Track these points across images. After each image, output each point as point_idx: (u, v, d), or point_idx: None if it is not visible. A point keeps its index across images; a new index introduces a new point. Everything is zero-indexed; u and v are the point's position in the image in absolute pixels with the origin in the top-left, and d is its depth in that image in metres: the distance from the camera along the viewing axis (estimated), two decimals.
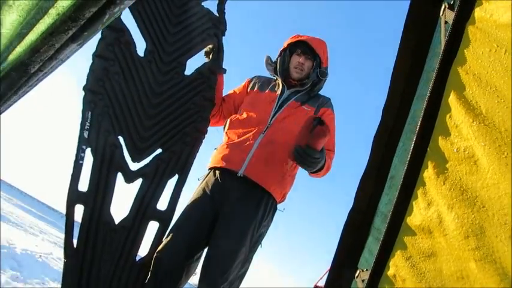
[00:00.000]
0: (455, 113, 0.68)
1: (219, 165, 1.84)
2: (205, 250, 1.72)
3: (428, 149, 0.76)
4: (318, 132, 1.56)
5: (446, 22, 0.79)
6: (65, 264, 1.63)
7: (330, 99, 2.08)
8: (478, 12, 0.68)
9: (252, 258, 1.80)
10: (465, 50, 0.68)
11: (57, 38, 0.84)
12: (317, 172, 1.81)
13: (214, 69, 1.99)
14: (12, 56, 0.88)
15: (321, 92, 2.10)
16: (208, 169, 1.91)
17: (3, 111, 0.97)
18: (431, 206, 0.72)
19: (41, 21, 0.83)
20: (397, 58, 0.88)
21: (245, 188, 1.77)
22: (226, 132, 1.97)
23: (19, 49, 0.87)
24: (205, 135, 1.94)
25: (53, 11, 0.83)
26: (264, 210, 1.78)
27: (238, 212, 1.72)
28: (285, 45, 2.08)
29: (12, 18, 0.86)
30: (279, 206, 1.92)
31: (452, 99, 0.71)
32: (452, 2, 0.79)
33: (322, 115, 1.96)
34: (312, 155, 1.60)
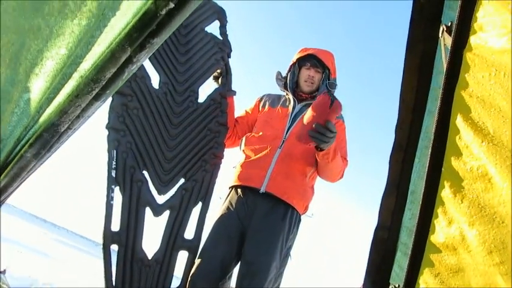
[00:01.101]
0: (464, 134, 0.72)
1: (240, 184, 1.91)
2: (237, 267, 1.78)
3: (442, 169, 0.79)
4: (337, 105, 1.61)
5: (445, 45, 0.84)
6: None
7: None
8: (473, 40, 0.73)
9: (283, 272, 1.86)
10: (466, 75, 0.72)
11: (83, 99, 0.92)
12: (329, 164, 1.83)
13: (224, 94, 2.07)
14: (42, 118, 0.97)
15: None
16: (230, 187, 1.98)
17: (38, 168, 1.06)
18: (453, 224, 0.75)
19: (66, 85, 0.92)
20: (403, 77, 0.92)
21: (269, 204, 1.83)
22: (243, 150, 2.05)
23: (48, 111, 0.95)
24: (223, 160, 2.01)
25: (76, 75, 0.92)
26: (290, 223, 1.84)
27: (265, 228, 1.79)
28: (294, 60, 2.16)
29: (39, 85, 0.95)
30: (306, 214, 2.00)
31: (459, 121, 0.75)
32: (449, 24, 0.84)
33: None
34: (332, 129, 1.63)
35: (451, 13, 0.85)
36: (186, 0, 0.87)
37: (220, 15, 2.12)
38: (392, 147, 0.97)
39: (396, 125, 0.96)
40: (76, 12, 0.87)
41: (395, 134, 0.98)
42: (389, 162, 0.98)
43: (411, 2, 0.86)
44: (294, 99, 2.10)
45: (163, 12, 0.87)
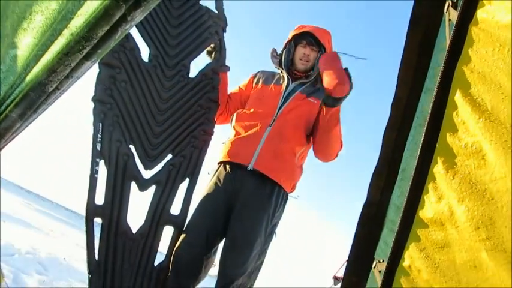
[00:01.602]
0: (462, 110, 0.73)
1: (228, 160, 1.91)
2: (222, 242, 1.80)
3: (437, 145, 0.80)
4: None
5: (450, 20, 0.83)
6: (89, 279, 1.69)
7: None
8: (480, 13, 0.72)
9: (267, 249, 1.89)
10: (469, 50, 0.72)
11: (72, 58, 0.89)
12: (332, 130, 1.84)
13: (217, 70, 2.04)
14: (29, 77, 0.93)
15: None
16: (218, 163, 1.98)
17: (23, 130, 1.03)
18: (442, 200, 0.76)
19: (55, 42, 0.89)
20: (404, 53, 0.92)
21: (256, 181, 1.84)
22: (233, 127, 2.04)
23: (36, 70, 0.92)
24: (212, 136, 2.00)
25: (66, 32, 0.88)
26: (276, 201, 1.86)
27: (251, 204, 1.80)
28: (290, 37, 2.13)
29: (27, 41, 0.91)
30: (292, 194, 2.01)
31: (458, 97, 0.75)
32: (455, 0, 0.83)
33: None
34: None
35: None
36: None
37: None
38: (387, 124, 0.97)
39: (392, 102, 0.96)
40: None
41: (391, 111, 0.98)
42: (382, 140, 0.98)
43: None
44: (287, 78, 2.09)
45: None
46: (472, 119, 0.70)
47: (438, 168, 0.79)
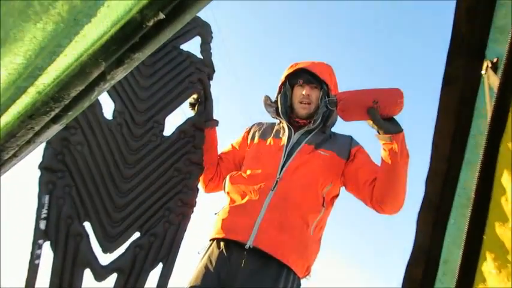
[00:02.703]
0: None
1: (222, 236, 1.90)
2: None
3: (484, 236, 0.83)
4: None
5: (489, 83, 0.92)
6: None
7: (351, 137, 2.21)
8: None
9: None
10: None
11: (37, 120, 0.93)
12: (398, 163, 1.81)
13: (200, 125, 2.10)
14: None
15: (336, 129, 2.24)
16: (210, 240, 1.98)
17: None
18: None
19: (18, 101, 0.93)
20: (437, 118, 0.99)
21: (257, 263, 1.82)
22: (227, 193, 2.07)
23: None
24: (194, 208, 1.99)
25: (32, 90, 0.93)
26: (285, 287, 1.80)
27: None
28: (283, 78, 2.23)
29: None
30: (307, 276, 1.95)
31: (505, 179, 0.79)
32: (495, 60, 0.93)
33: (355, 156, 2.08)
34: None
35: (497, 48, 0.93)
36: (179, 12, 0.93)
37: (203, 30, 2.22)
38: (421, 204, 1.01)
39: (426, 176, 1.01)
40: (41, 15, 0.89)
41: (425, 187, 1.02)
42: (417, 223, 1.01)
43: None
44: (288, 128, 2.16)
45: (151, 23, 0.92)
46: None
47: (488, 267, 0.81)
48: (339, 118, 2.16)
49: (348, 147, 2.14)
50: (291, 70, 2.22)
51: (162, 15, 0.91)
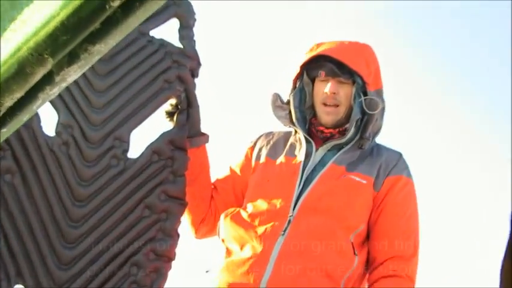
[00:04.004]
0: None
1: None
2: None
3: None
4: None
5: None
6: None
7: (401, 154, 2.15)
8: None
9: None
10: None
11: None
12: None
13: (180, 143, 2.06)
14: None
15: (380, 139, 2.20)
16: None
17: None
18: None
19: None
20: None
21: None
22: (222, 240, 2.04)
23: None
24: (171, 263, 1.98)
25: None
26: None
27: None
28: (299, 68, 2.13)
29: None
30: None
31: None
32: None
33: (387, 193, 2.02)
34: None
35: None
36: None
37: (182, 9, 2.15)
38: (506, 249, 0.99)
39: (511, 213, 0.99)
40: None
41: (511, 232, 1.01)
42: (501, 271, 1.00)
43: None
44: (307, 140, 2.10)
45: (116, 3, 0.88)
46: None
47: None
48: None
49: (386, 170, 2.06)
50: (309, 56, 2.10)
51: None
